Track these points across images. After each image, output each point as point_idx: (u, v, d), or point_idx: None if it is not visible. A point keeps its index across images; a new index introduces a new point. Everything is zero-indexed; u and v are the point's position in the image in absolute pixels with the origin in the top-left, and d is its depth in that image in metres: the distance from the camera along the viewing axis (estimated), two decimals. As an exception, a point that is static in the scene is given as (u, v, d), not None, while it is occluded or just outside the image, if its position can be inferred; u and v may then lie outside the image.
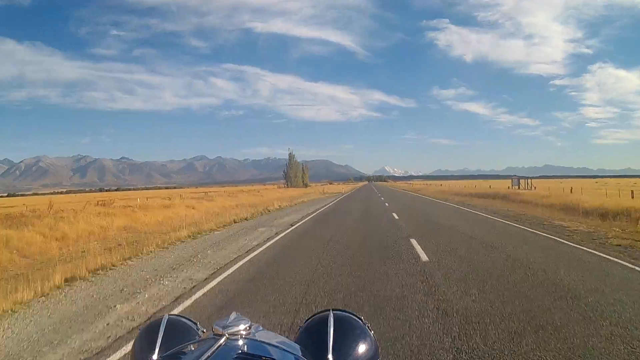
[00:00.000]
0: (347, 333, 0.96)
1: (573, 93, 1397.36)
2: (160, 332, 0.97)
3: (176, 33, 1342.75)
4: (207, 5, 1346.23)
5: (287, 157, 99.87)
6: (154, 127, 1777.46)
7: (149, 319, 4.52)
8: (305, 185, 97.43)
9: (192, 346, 0.87)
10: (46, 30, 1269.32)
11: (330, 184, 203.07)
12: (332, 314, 0.98)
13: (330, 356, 0.89)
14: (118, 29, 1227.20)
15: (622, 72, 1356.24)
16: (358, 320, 1.01)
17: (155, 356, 0.93)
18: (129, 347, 3.69)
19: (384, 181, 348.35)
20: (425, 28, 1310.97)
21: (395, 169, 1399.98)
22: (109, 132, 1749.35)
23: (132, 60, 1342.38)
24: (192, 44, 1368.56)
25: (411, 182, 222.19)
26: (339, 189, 73.77)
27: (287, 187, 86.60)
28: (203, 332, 1.05)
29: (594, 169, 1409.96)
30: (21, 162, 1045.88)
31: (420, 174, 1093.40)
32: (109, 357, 3.65)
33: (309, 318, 1.05)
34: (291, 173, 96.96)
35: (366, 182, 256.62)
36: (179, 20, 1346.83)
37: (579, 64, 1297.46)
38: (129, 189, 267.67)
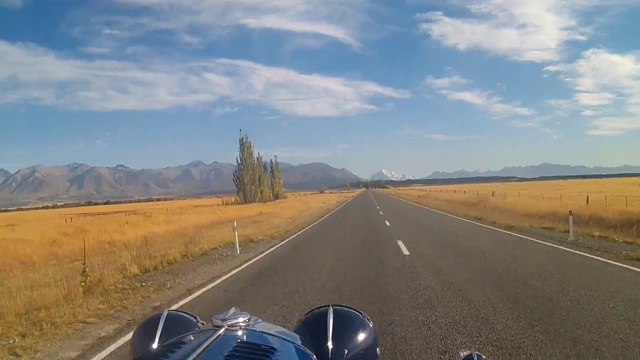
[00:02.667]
0: (347, 323, 0.99)
1: (567, 79, 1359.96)
2: (159, 325, 1.00)
3: (169, 31, 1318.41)
4: (199, 4, 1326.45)
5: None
6: (149, 130, 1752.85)
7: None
8: (276, 197, 64.45)
9: (191, 336, 0.87)
10: (38, 30, 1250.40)
11: (322, 192, 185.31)
12: (331, 308, 1.02)
13: (329, 344, 0.92)
14: (111, 28, 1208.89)
15: (616, 57, 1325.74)
16: (358, 313, 1.05)
17: (154, 346, 0.95)
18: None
19: (384, 187, 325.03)
20: (419, 20, 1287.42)
21: (393, 173, 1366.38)
22: (104, 136, 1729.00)
23: (125, 57, 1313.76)
24: (185, 41, 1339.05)
25: (422, 188, 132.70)
26: (315, 205, 41.20)
27: (242, 202, 53.20)
28: (203, 324, 1.07)
29: (590, 167, 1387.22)
30: (17, 172, 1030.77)
31: (418, 177, 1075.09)
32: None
33: (309, 312, 1.08)
34: (245, 178, 55.59)
35: (364, 189, 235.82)
36: (171, 18, 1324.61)
37: (572, 50, 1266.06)
38: (120, 202, 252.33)
